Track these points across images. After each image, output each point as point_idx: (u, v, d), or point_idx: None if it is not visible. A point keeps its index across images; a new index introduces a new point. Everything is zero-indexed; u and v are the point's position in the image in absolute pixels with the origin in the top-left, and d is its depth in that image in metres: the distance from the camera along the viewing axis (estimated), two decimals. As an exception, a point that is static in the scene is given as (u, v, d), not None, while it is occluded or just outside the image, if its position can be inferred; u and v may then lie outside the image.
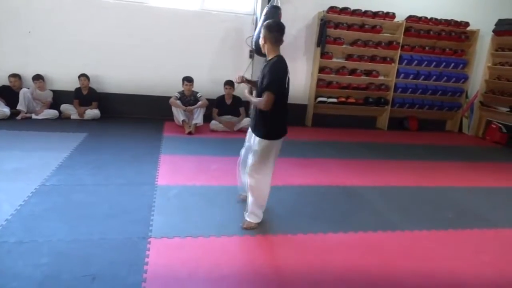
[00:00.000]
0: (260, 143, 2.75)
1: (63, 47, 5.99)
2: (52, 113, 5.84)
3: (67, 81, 6.05)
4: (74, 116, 5.91)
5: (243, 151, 3.14)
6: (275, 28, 2.70)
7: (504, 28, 6.76)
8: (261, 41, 2.76)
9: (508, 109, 6.70)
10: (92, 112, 5.96)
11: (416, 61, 7.04)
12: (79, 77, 5.93)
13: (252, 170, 2.82)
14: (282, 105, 2.74)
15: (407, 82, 7.16)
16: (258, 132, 2.79)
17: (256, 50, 5.81)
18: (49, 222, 2.68)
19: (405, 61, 7.01)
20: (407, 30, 6.89)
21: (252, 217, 2.89)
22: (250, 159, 2.84)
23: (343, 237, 2.87)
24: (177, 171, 3.98)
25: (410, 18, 6.86)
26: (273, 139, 2.76)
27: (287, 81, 2.70)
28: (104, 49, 6.11)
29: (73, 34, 5.98)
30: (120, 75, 6.27)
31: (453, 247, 2.87)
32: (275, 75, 2.63)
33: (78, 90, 6.00)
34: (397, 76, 7.05)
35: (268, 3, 5.98)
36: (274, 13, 5.55)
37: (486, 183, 4.47)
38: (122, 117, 6.22)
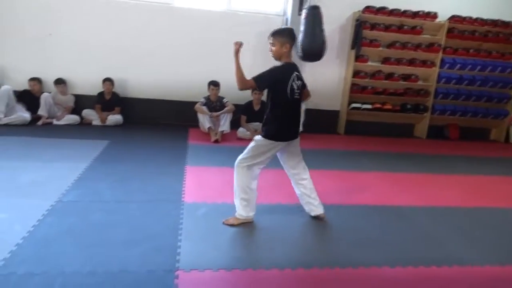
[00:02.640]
0: (258, 139, 2.83)
1: (85, 50, 5.78)
2: (74, 118, 5.61)
3: (89, 85, 5.83)
4: (96, 122, 5.67)
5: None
6: (294, 36, 2.76)
7: (559, 29, 6.16)
8: (284, 49, 2.72)
9: None
10: (115, 118, 5.70)
11: (459, 65, 6.50)
12: (103, 81, 5.70)
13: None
14: (283, 109, 2.74)
15: (449, 87, 6.62)
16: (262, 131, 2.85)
17: (305, 55, 5.27)
18: (64, 248, 2.36)
19: (447, 64, 6.48)
20: (450, 31, 6.37)
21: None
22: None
23: (402, 273, 2.42)
24: (204, 185, 3.63)
25: (454, 18, 6.34)
26: (268, 138, 2.76)
27: (289, 86, 2.69)
28: (126, 52, 5.86)
29: (95, 36, 5.76)
30: (144, 79, 6.00)
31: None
32: (268, 71, 2.72)
33: (101, 94, 5.77)
34: (438, 80, 6.53)
35: (301, 4, 5.60)
36: (314, 14, 5.14)
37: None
38: (145, 123, 5.95)
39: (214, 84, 5.56)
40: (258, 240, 2.72)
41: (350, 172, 4.46)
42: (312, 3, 5.38)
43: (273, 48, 2.74)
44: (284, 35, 2.72)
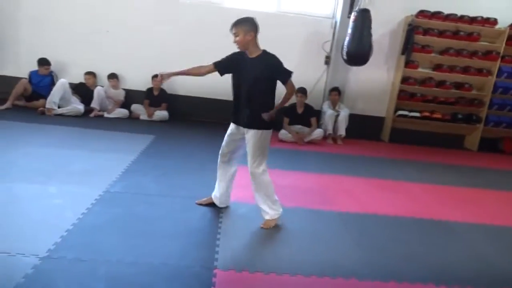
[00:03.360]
0: None
1: (137, 47, 6.01)
2: (123, 112, 5.85)
3: (139, 80, 6.05)
4: (143, 116, 5.87)
5: None
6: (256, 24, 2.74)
7: None
8: (248, 37, 2.73)
9: None
10: (161, 114, 5.88)
11: (518, 75, 6.10)
12: (152, 77, 5.89)
13: None
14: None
15: (506, 98, 6.23)
16: None
17: (350, 59, 5.15)
18: (109, 237, 2.46)
19: (505, 74, 6.10)
20: (510, 38, 5.98)
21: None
22: None
23: (446, 291, 2.32)
24: (244, 185, 3.62)
25: (515, 25, 5.96)
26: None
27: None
28: (176, 49, 6.02)
29: (147, 34, 5.98)
30: (191, 77, 6.12)
31: None
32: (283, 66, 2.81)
33: (149, 90, 5.97)
34: (494, 90, 6.16)
35: (351, 7, 5.50)
36: (364, 17, 5.04)
37: None
38: (189, 120, 6.09)
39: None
40: (296, 245, 2.69)
41: (394, 181, 4.31)
42: (363, 6, 5.29)
43: (237, 38, 2.74)
44: (246, 24, 2.72)
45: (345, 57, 4.73)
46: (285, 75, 2.78)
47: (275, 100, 2.88)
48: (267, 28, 5.94)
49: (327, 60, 6.10)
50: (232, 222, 2.89)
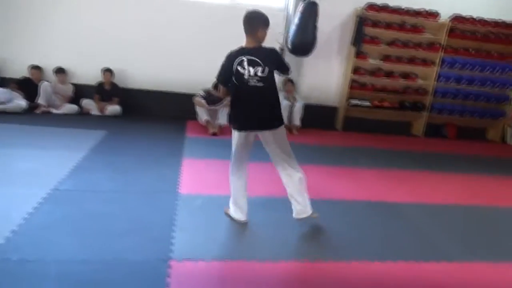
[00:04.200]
0: None
1: (86, 39, 5.76)
2: (72, 108, 5.61)
3: (89, 75, 5.82)
4: (94, 112, 5.67)
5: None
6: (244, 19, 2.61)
7: (559, 31, 6.15)
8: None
9: (561, 120, 6.10)
10: (113, 108, 5.70)
11: (458, 65, 6.49)
12: (103, 71, 5.69)
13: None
14: (238, 96, 2.61)
15: (448, 86, 6.62)
16: None
17: (294, 49, 5.28)
18: (59, 237, 2.38)
19: (447, 64, 6.47)
20: (451, 31, 6.35)
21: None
22: None
23: (392, 267, 2.46)
24: (201, 178, 3.65)
25: (456, 18, 6.32)
26: (234, 128, 2.69)
27: (235, 71, 2.55)
28: (128, 43, 5.84)
29: (96, 27, 5.74)
30: (144, 70, 5.99)
31: (523, 287, 2.43)
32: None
33: (100, 84, 5.76)
34: (437, 80, 6.53)
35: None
36: (311, 10, 5.12)
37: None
38: (143, 115, 5.94)
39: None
40: (252, 232, 2.74)
41: (347, 168, 4.48)
42: (311, -1, 5.40)
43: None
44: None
45: (289, 46, 4.84)
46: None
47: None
48: (221, 20, 5.98)
49: (281, 52, 6.15)
50: (188, 214, 2.88)
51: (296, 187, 2.72)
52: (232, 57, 2.56)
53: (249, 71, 2.51)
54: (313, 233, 2.81)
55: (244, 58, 2.53)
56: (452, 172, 4.76)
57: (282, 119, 2.70)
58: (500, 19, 6.45)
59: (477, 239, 3.01)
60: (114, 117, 5.64)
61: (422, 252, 2.68)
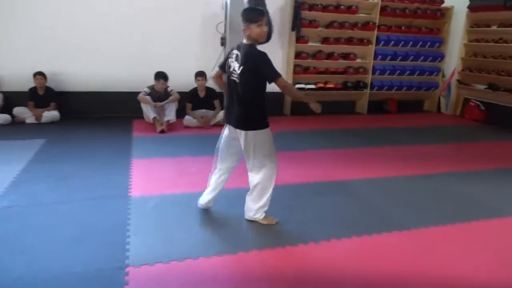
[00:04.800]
0: None
1: (13, 41, 5.32)
2: (4, 118, 5.18)
3: (20, 80, 5.39)
4: (30, 120, 5.28)
5: None
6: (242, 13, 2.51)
7: (478, 4, 6.62)
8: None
9: (486, 86, 6.61)
10: (50, 114, 5.35)
11: (393, 42, 6.81)
12: (34, 75, 5.30)
13: None
14: (227, 87, 2.66)
15: (385, 63, 6.93)
16: None
17: None
18: (1, 257, 2.21)
19: (382, 42, 6.77)
20: (383, 9, 6.63)
21: None
22: None
23: (346, 243, 2.56)
24: (152, 177, 3.55)
25: (386, -4, 6.60)
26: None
27: (227, 64, 2.60)
28: (60, 42, 5.48)
29: (25, 26, 5.32)
30: (81, 71, 5.66)
31: (464, 242, 2.63)
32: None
33: (33, 90, 5.37)
34: (375, 58, 6.80)
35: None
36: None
37: (477, 166, 4.30)
38: (85, 118, 5.63)
39: (164, 78, 5.36)
40: (209, 228, 2.72)
41: (299, 152, 4.57)
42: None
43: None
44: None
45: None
46: None
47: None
48: (156, 13, 5.78)
49: (223, 41, 6.10)
50: (142, 217, 2.79)
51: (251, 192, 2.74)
52: (230, 50, 2.61)
53: (233, 66, 2.52)
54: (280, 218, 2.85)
55: (234, 52, 2.54)
56: (395, 145, 5.03)
57: (257, 124, 2.57)
58: (426, -4, 6.83)
59: (419, 206, 3.20)
60: (52, 123, 5.30)
61: (374, 225, 2.82)
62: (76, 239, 2.44)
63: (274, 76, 2.43)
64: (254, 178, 2.68)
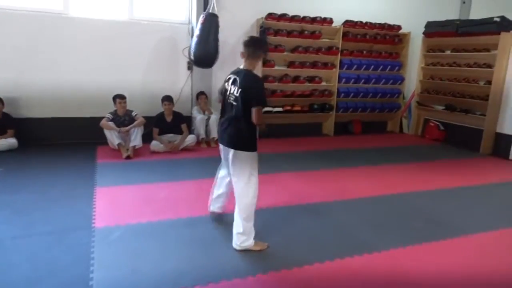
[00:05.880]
0: None
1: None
2: (-45, 147, 4.87)
3: (-28, 107, 5.11)
4: (-16, 148, 4.99)
5: None
6: (248, 43, 2.77)
7: (433, 30, 7.03)
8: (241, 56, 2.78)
9: (444, 107, 6.96)
10: (7, 142, 5.07)
11: (355, 65, 7.07)
12: (-12, 100, 5.05)
13: None
14: (222, 108, 2.84)
15: (349, 86, 7.16)
16: None
17: (196, 61, 5.36)
18: None
19: (345, 65, 7.01)
20: (345, 35, 6.89)
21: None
22: None
23: (320, 268, 2.54)
24: (117, 206, 3.41)
25: (347, 22, 6.87)
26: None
27: (223, 87, 2.80)
28: (17, 67, 5.27)
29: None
30: (40, 96, 5.44)
31: (434, 262, 2.68)
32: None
33: (-13, 117, 5.10)
34: (339, 81, 7.02)
35: (204, 11, 5.59)
36: (211, 21, 5.18)
37: (440, 184, 4.46)
38: (46, 145, 5.38)
39: (120, 97, 5.26)
40: (177, 256, 2.62)
41: (268, 175, 4.54)
42: (215, 11, 5.45)
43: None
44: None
45: (192, 57, 4.90)
46: None
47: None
48: (121, 37, 5.72)
49: (189, 66, 6.10)
50: (106, 249, 2.66)
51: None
52: (228, 75, 2.79)
53: (230, 89, 2.69)
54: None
55: (231, 77, 2.71)
56: (361, 166, 5.13)
57: (246, 146, 2.68)
58: (385, 22, 7.18)
59: (387, 227, 3.26)
60: (9, 151, 5.01)
61: (346, 248, 2.82)
62: (33, 278, 2.28)
63: (260, 103, 2.60)
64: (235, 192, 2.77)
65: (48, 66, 5.41)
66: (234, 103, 2.65)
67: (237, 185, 2.71)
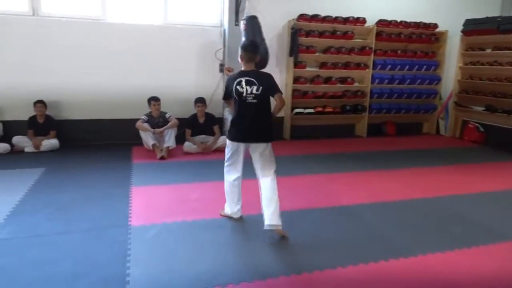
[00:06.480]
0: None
1: (13, 71, 5.37)
2: (3, 147, 5.16)
3: (19, 109, 5.41)
4: (29, 148, 5.26)
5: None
6: (249, 48, 3.00)
7: (472, 28, 6.75)
8: (240, 59, 3.03)
9: (484, 108, 6.66)
10: (50, 143, 5.34)
11: (389, 66, 6.91)
12: (34, 104, 5.32)
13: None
14: (238, 111, 2.99)
15: (382, 87, 7.00)
16: None
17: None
18: (-3, 294, 2.15)
19: (379, 66, 6.86)
20: (379, 34, 6.75)
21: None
22: None
23: (354, 271, 2.50)
24: (152, 206, 3.50)
25: (380, 22, 6.73)
26: (228, 139, 3.10)
27: (234, 90, 2.95)
28: (59, 72, 5.53)
29: (24, 56, 5.38)
30: (80, 99, 5.70)
31: (473, 268, 2.57)
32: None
33: (32, 118, 5.38)
34: (372, 81, 6.88)
35: (237, 14, 5.67)
36: (253, 24, 5.29)
37: (480, 188, 4.27)
38: (84, 146, 5.62)
39: (154, 99, 5.41)
40: (212, 256, 2.65)
41: (300, 176, 4.54)
42: (248, 14, 5.49)
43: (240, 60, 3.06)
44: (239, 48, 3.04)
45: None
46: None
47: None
48: (156, 41, 5.87)
49: (222, 68, 6.18)
50: (142, 247, 2.73)
51: (267, 194, 3.00)
52: (232, 80, 2.99)
53: (246, 90, 2.90)
54: (271, 248, 2.79)
55: (243, 79, 2.92)
56: (396, 168, 5.00)
57: (274, 136, 3.07)
58: (420, 21, 6.97)
59: (424, 231, 3.15)
60: (51, 152, 5.28)
61: (381, 251, 2.76)
62: (75, 273, 2.37)
63: (279, 90, 3.01)
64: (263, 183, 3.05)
65: (87, 71, 5.64)
66: (254, 101, 2.91)
67: (271, 173, 3.06)
